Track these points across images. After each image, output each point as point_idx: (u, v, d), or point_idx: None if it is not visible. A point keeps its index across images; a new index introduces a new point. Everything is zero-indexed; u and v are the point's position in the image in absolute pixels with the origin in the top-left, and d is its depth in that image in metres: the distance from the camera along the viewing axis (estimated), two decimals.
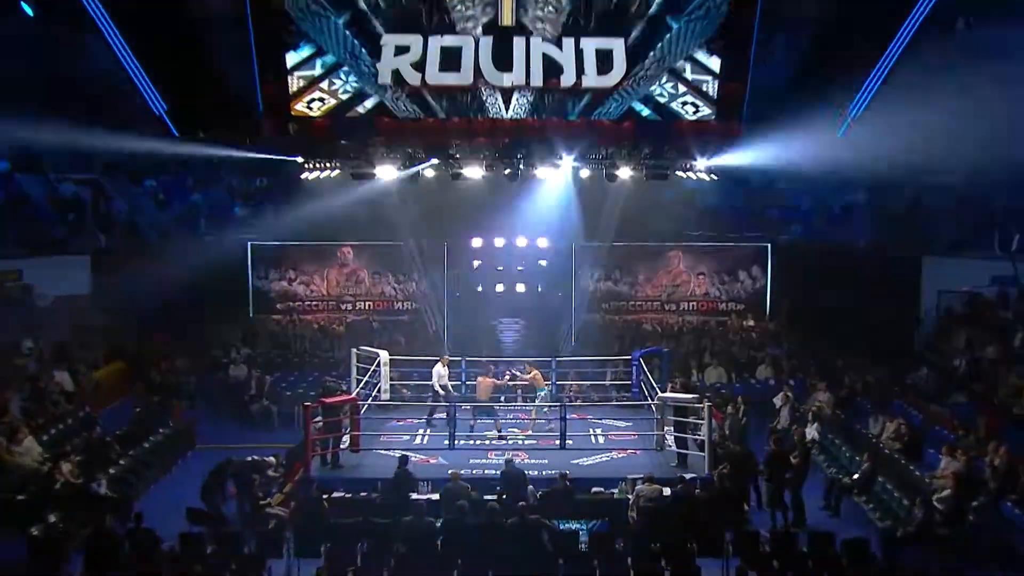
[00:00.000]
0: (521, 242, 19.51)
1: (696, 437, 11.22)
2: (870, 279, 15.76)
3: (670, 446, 11.31)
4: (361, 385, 12.77)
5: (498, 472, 9.92)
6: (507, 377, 12.74)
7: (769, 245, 18.71)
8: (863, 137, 13.40)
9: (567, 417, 11.25)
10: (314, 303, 19.06)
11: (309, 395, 14.54)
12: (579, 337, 18.98)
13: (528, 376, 12.48)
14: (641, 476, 10.05)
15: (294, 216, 17.81)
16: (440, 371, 12.39)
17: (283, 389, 15.81)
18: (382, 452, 11.19)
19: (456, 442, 11.18)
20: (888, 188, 17.04)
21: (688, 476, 10.21)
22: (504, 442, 11.80)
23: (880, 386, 14.18)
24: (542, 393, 12.33)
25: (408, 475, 9.77)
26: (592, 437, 12.03)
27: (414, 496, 9.89)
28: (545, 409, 12.21)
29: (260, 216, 18.17)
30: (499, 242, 19.57)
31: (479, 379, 12.55)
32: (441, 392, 12.50)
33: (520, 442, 11.78)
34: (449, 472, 9.89)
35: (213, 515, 9.42)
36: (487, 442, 11.73)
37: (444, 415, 12.22)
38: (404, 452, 10.70)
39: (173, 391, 14.79)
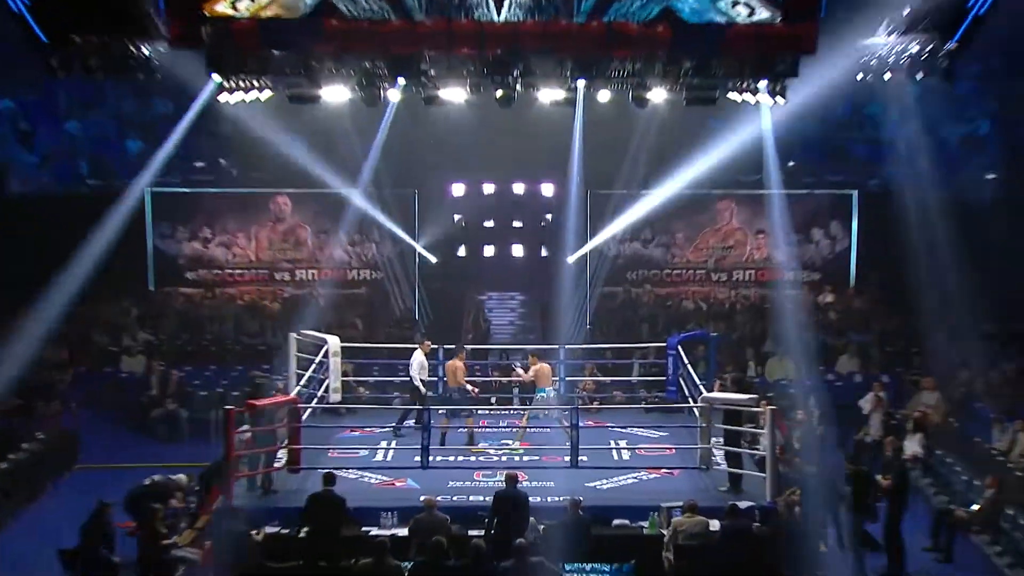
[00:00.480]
0: (518, 189, 19.70)
1: (754, 452, 11.34)
2: (996, 239, 15.78)
3: (719, 464, 11.43)
4: (303, 382, 12.92)
5: (487, 499, 9.93)
6: (514, 373, 12.91)
7: (855, 193, 18.78)
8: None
9: (580, 425, 11.29)
10: (238, 272, 19.17)
11: (231, 396, 15.02)
12: (597, 318, 19.31)
13: (532, 371, 12.52)
14: (680, 504, 10.15)
15: (210, 154, 17.93)
16: (422, 362, 12.59)
17: (196, 388, 15.96)
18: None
19: (431, 458, 11.21)
20: None
21: (743, 504, 10.30)
22: (493, 457, 11.94)
23: (1009, 385, 14.18)
24: (541, 395, 12.38)
25: (333, 502, 9.74)
26: (614, 452, 12.20)
27: (375, 531, 10.00)
28: (543, 414, 12.35)
29: (162, 154, 18.33)
30: (488, 189, 19.72)
31: (448, 363, 12.61)
32: (423, 391, 12.60)
33: (518, 458, 11.88)
34: (422, 499, 10.07)
35: (96, 561, 9.40)
36: (473, 458, 11.82)
37: (418, 422, 12.41)
38: (344, 470, 11.13)
39: (41, 391, 14.60)
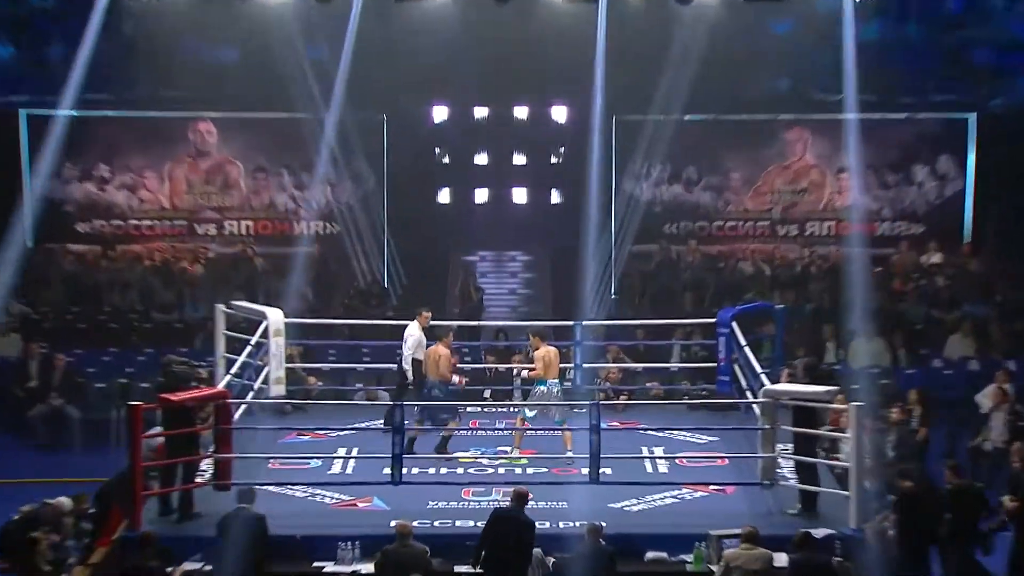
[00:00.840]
0: (520, 114, 19.60)
1: (834, 463, 11.38)
2: None
3: (787, 478, 11.46)
4: (234, 370, 12.99)
5: (479, 524, 9.94)
6: (515, 359, 13.07)
7: (971, 117, 18.68)
8: None
9: (602, 427, 11.28)
10: (147, 223, 19.24)
11: (138, 389, 15.02)
12: (625, 285, 19.40)
13: (537, 357, 12.53)
14: (735, 532, 10.10)
15: (108, 65, 17.61)
16: (419, 339, 12.79)
17: (90, 378, 16.03)
18: (272, 490, 11.42)
19: (404, 470, 11.20)
20: None
21: (819, 533, 10.28)
22: (487, 468, 12.00)
23: None
24: (542, 388, 12.42)
25: (247, 526, 9.68)
26: (647, 462, 12.24)
27: (330, 568, 10.04)
28: (548, 412, 12.40)
29: (42, 64, 18.02)
30: (480, 113, 19.65)
31: (430, 348, 12.66)
32: (410, 379, 12.76)
33: (519, 470, 11.97)
34: (393, 524, 10.05)
35: None
36: (460, 470, 11.91)
37: (386, 422, 12.54)
38: (290, 487, 11.33)
39: None
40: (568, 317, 14.91)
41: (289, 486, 11.44)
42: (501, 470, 12.00)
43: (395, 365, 13.13)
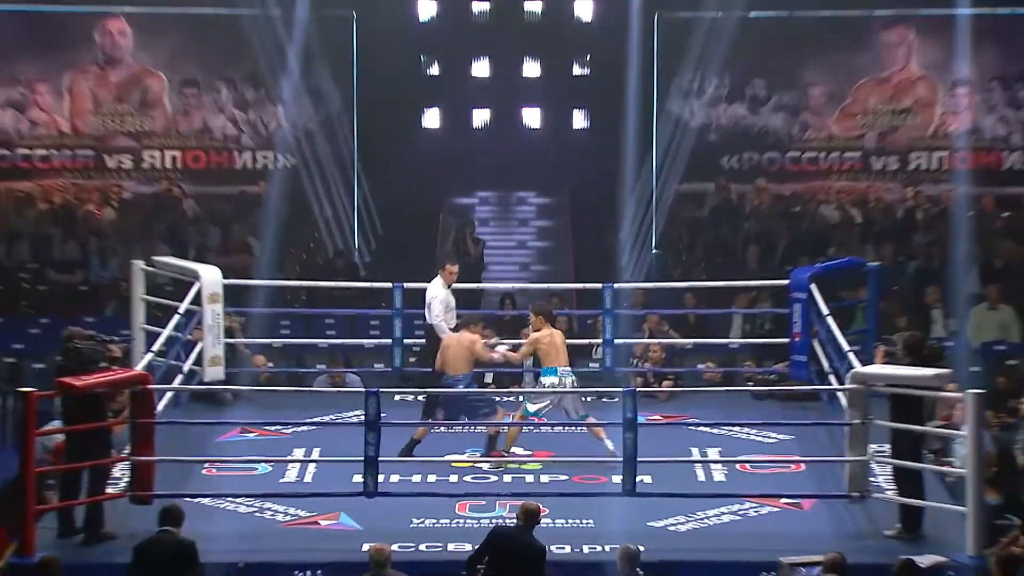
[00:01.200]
0: (532, 7, 19.86)
1: (946, 469, 11.45)
2: None
3: (883, 489, 11.55)
4: (157, 346, 13.03)
5: (474, 547, 9.97)
6: (494, 349, 13.16)
7: None
8: None
9: (639, 421, 11.32)
10: (40, 153, 19.46)
11: (33, 370, 15.11)
12: (670, 236, 19.74)
13: (532, 340, 12.64)
14: (815, 560, 10.10)
15: None
16: (445, 300, 13.20)
17: None
18: (206, 503, 11.51)
19: (380, 477, 11.25)
20: None
21: (925, 561, 10.28)
22: (489, 477, 12.08)
23: None
24: (551, 379, 12.52)
25: (172, 555, 9.70)
26: (698, 469, 12.33)
27: None
28: (563, 406, 12.49)
29: None
30: (480, 7, 19.91)
31: (450, 338, 12.74)
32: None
33: (530, 477, 12.04)
34: (366, 549, 10.04)
35: None
36: (453, 478, 12.00)
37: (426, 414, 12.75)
38: (231, 500, 11.31)
39: None
40: (595, 279, 14.91)
41: (229, 499, 11.46)
42: (507, 478, 12.05)
43: (369, 340, 13.15)
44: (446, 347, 12.63)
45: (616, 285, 14.50)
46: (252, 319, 14.92)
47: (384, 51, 19.31)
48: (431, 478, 11.99)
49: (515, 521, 9.92)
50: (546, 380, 12.51)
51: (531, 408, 12.43)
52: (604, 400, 13.26)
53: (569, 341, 12.92)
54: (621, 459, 11.10)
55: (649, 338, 15.06)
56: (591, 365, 13.99)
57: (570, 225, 19.84)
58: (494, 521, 10.76)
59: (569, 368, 12.55)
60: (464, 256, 18.22)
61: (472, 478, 12.04)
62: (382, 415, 11.16)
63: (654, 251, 18.79)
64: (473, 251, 18.32)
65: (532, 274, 19.18)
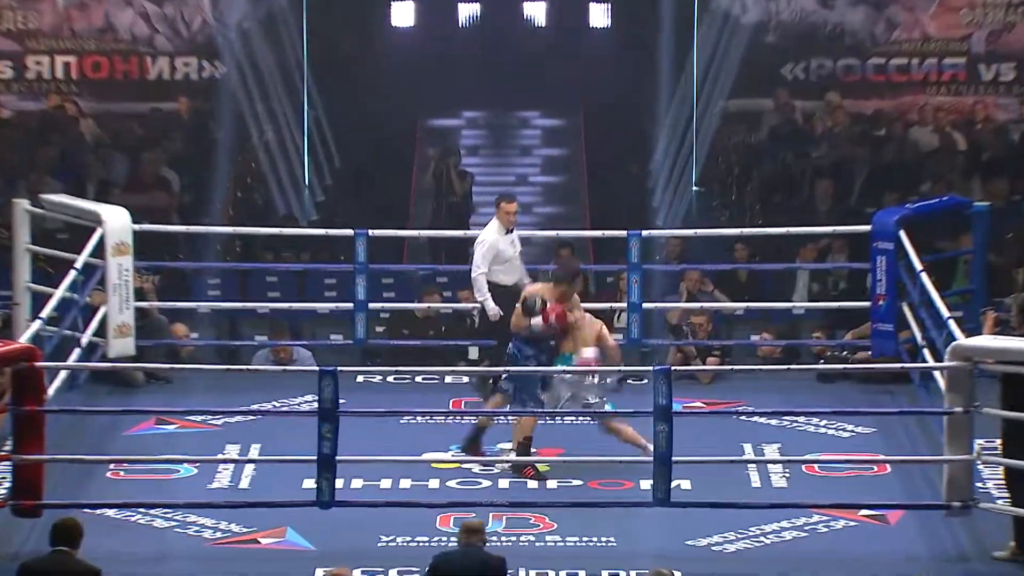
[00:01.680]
0: None
1: None
2: None
3: (992, 497, 11.58)
4: (48, 312, 13.05)
5: None
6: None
7: None
8: None
9: (676, 409, 11.35)
10: None
11: None
12: (714, 170, 20.07)
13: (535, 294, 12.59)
14: None
15: None
16: (495, 246, 13.32)
17: None
18: (112, 516, 11.43)
19: (339, 483, 11.25)
20: None
21: None
22: (480, 483, 12.13)
23: None
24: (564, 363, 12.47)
25: None
26: (753, 470, 12.37)
27: None
28: (582, 395, 12.45)
29: None
30: None
31: (532, 287, 12.78)
32: (495, 313, 13.06)
33: (534, 483, 12.12)
34: (322, 575, 10.26)
35: None
36: (432, 483, 12.03)
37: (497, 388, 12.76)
38: (143, 512, 11.32)
39: None
40: (618, 224, 14.90)
41: (142, 510, 11.46)
42: (503, 483, 12.12)
43: (323, 305, 13.15)
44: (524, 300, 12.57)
45: (645, 233, 14.46)
46: (171, 276, 14.90)
47: None
48: (404, 483, 12.02)
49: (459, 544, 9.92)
50: (562, 363, 12.53)
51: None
52: (630, 382, 13.26)
53: (584, 305, 12.93)
54: (651, 459, 11.14)
55: (688, 301, 15.08)
56: (616, 337, 14.00)
57: (585, 155, 19.82)
58: (488, 540, 10.77)
59: (591, 350, 12.50)
60: (447, 195, 18.26)
61: (457, 482, 12.07)
62: (341, 401, 11.17)
63: (695, 189, 18.77)
64: (458, 188, 18.32)
65: (536, 218, 19.17)
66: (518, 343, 12.48)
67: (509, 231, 13.31)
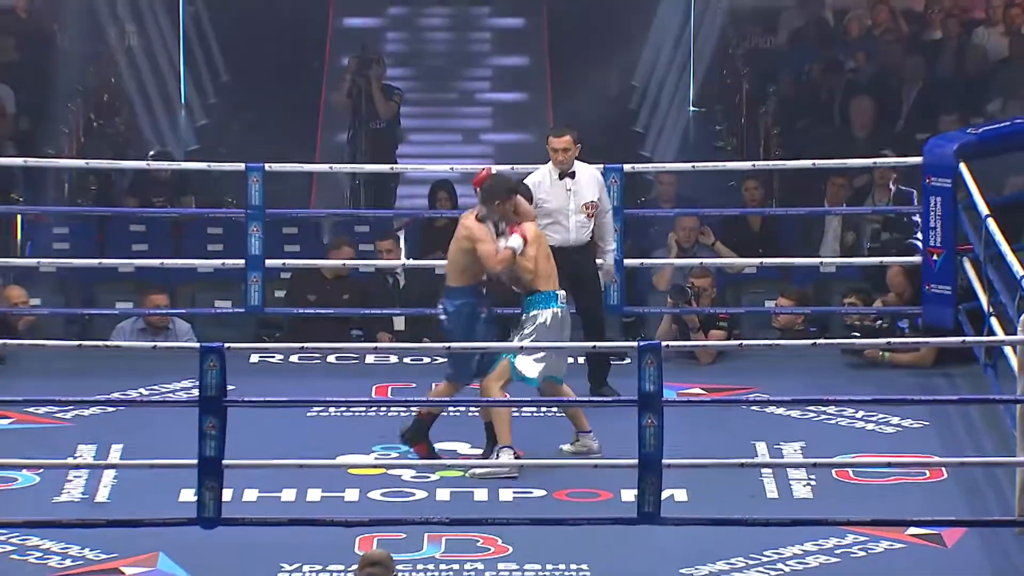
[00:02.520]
0: None
1: None
2: None
3: None
4: None
5: None
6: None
7: None
8: None
9: (669, 396, 11.45)
10: None
11: None
12: (715, 84, 20.41)
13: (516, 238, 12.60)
14: None
15: None
16: (536, 183, 13.49)
17: None
18: None
19: (222, 495, 11.24)
20: None
21: None
22: (413, 494, 12.19)
23: None
24: (550, 311, 12.53)
25: None
26: (767, 477, 12.44)
27: None
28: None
29: None
30: None
31: (515, 228, 12.69)
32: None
33: (480, 491, 12.16)
34: None
35: None
36: (349, 494, 12.09)
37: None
38: None
39: None
40: (592, 156, 14.92)
41: None
42: (442, 493, 12.16)
43: (206, 262, 13.14)
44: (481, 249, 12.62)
45: (627, 167, 14.63)
46: (1, 225, 14.87)
47: None
48: (313, 495, 12.07)
49: None
50: (542, 315, 12.66)
51: (526, 369, 12.58)
52: (610, 363, 13.32)
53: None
54: (635, 463, 11.22)
55: (680, 256, 15.14)
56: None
57: (549, 65, 19.83)
58: (420, 568, 10.87)
59: (559, 293, 12.70)
60: (368, 119, 18.25)
61: (383, 494, 12.13)
62: (229, 388, 11.20)
63: (692, 110, 18.81)
64: (382, 110, 18.32)
65: (486, 148, 19.16)
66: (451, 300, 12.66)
67: (563, 175, 13.37)
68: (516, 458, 12.38)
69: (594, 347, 12.94)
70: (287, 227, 15.52)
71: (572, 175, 13.35)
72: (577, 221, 13.33)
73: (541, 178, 13.43)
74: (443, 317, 12.66)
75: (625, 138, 17.40)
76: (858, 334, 14.68)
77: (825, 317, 15.09)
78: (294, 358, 13.95)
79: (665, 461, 10.97)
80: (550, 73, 19.90)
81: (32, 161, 15.61)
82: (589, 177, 13.45)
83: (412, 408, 13.08)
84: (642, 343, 11.45)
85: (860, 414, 13.34)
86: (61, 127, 18.16)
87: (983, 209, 13.36)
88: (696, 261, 14.93)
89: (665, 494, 11.08)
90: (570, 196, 13.33)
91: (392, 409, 13.22)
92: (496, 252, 12.42)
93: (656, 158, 17.29)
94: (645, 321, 14.42)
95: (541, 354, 12.46)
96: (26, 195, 15.97)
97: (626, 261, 14.20)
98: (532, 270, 12.47)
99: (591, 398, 12.57)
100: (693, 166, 16.32)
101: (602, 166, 14.16)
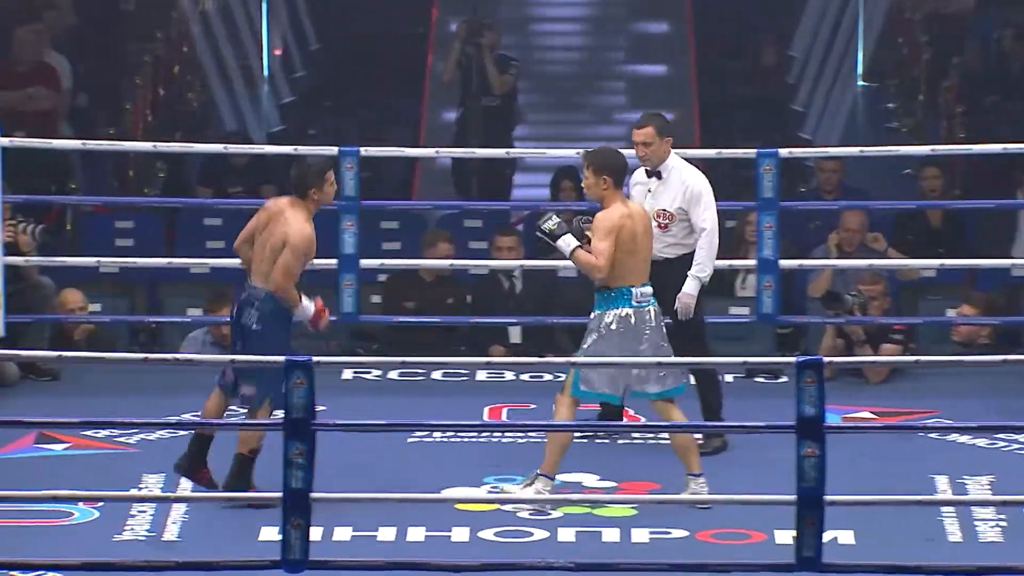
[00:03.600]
0: None
1: None
2: None
3: None
4: None
5: None
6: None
7: None
8: None
9: (832, 421, 11.37)
10: None
11: None
12: (888, 55, 20.27)
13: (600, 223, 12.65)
14: None
15: None
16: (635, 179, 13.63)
17: None
18: None
19: (313, 535, 11.29)
20: None
21: None
22: (509, 530, 12.18)
23: None
24: (623, 311, 12.52)
25: None
26: (949, 518, 12.32)
27: None
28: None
29: None
30: None
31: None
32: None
33: (610, 531, 12.17)
34: None
35: None
36: (470, 529, 12.11)
37: None
38: None
39: None
40: (741, 139, 14.92)
41: (16, 572, 11.40)
42: (565, 533, 12.12)
43: None
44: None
45: (784, 152, 14.62)
46: (58, 219, 14.97)
47: None
48: (415, 534, 12.09)
49: None
50: (611, 316, 12.70)
51: (590, 382, 12.59)
52: (760, 380, 13.31)
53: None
54: (793, 499, 11.21)
55: (843, 258, 15.09)
56: (733, 310, 14.02)
57: (693, 34, 19.86)
58: None
59: (648, 289, 12.76)
60: (479, 94, 18.29)
61: (496, 534, 12.13)
62: (319, 409, 11.28)
63: (860, 85, 18.80)
64: (496, 83, 18.36)
65: (619, 129, 19.21)
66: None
67: (649, 173, 13.40)
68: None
69: (744, 363, 12.95)
70: (385, 221, 15.58)
71: (659, 175, 13.39)
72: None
73: (639, 171, 13.57)
74: None
75: (782, 118, 17.38)
76: None
77: (1016, 329, 15.01)
78: (393, 374, 14.00)
79: (828, 498, 10.93)
80: (694, 42, 19.90)
81: (91, 144, 15.72)
82: (678, 183, 13.43)
83: (530, 434, 13.14)
84: (801, 359, 11.45)
85: None
86: (124, 104, 18.28)
87: None
88: (863, 263, 14.88)
89: (827, 536, 11.00)
90: (647, 198, 13.37)
91: (507, 434, 13.24)
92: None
93: (818, 141, 17.27)
94: (804, 333, 14.35)
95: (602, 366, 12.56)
96: (85, 183, 16.05)
97: (781, 262, 14.17)
98: (597, 265, 12.53)
99: (745, 423, 12.43)
100: (861, 151, 16.29)
101: (755, 151, 14.19)
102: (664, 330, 12.80)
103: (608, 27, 20.78)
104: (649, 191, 13.36)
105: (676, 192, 13.35)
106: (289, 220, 12.48)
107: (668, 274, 13.17)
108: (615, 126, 19.38)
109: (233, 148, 16.31)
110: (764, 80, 19.05)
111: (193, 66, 19.26)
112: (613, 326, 12.54)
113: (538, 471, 12.48)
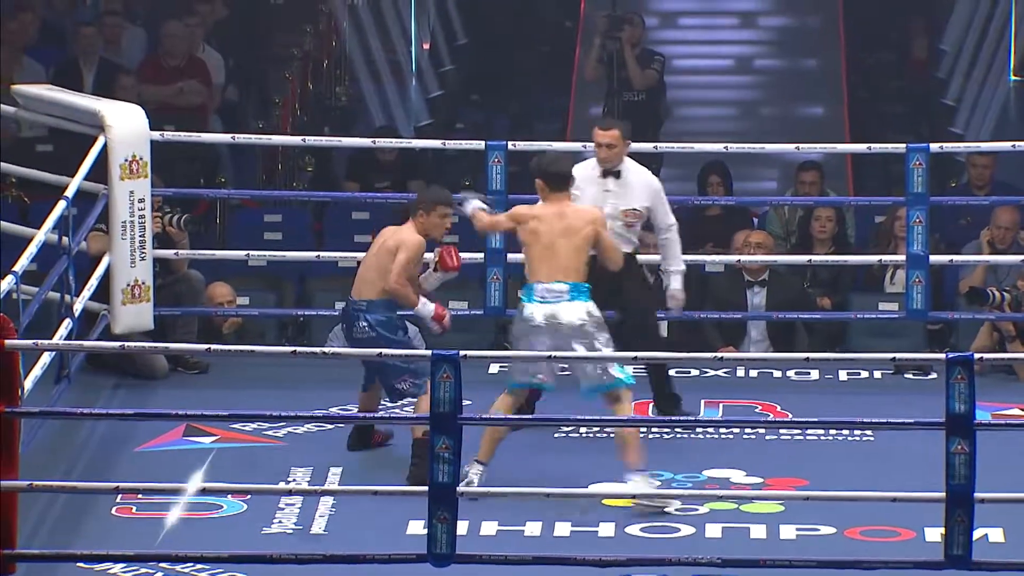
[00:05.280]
0: None
1: None
2: None
3: None
4: (23, 264, 13.09)
5: None
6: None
7: None
8: None
9: (983, 419, 11.31)
10: None
11: None
12: None
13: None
14: None
15: None
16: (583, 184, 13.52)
17: None
18: (122, 574, 11.58)
19: (460, 530, 11.30)
20: None
21: None
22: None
23: None
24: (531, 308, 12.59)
25: None
26: None
27: None
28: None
29: None
30: None
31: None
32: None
33: (795, 529, 12.13)
34: None
35: None
36: (616, 525, 12.08)
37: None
38: None
39: None
40: (892, 134, 14.86)
41: (165, 564, 11.54)
42: (712, 529, 12.15)
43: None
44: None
45: (934, 146, 14.52)
46: (209, 213, 15.02)
47: None
48: (561, 529, 12.09)
49: None
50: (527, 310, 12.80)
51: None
52: (909, 376, 13.26)
53: (844, 258, 12.88)
54: (942, 496, 11.18)
55: (995, 253, 15.01)
56: (882, 306, 13.96)
57: (842, 24, 19.78)
58: None
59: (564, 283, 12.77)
60: (622, 89, 18.24)
61: (643, 529, 12.15)
62: (465, 403, 11.30)
63: (1012, 79, 18.69)
64: (637, 79, 18.32)
65: (762, 123, 19.15)
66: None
67: (605, 173, 13.48)
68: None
69: (893, 359, 12.89)
70: None
71: (616, 175, 13.43)
72: (611, 227, 13.33)
73: (584, 170, 13.56)
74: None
75: (932, 112, 17.26)
76: None
77: None
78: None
79: (977, 495, 10.88)
80: (844, 33, 19.81)
81: (240, 137, 15.82)
82: (642, 183, 13.60)
83: (676, 429, 13.12)
84: (950, 355, 11.39)
85: None
86: (273, 98, 18.34)
87: None
88: (1015, 259, 14.78)
89: (978, 534, 10.96)
90: (606, 197, 13.42)
91: (653, 430, 13.20)
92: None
93: (969, 136, 17.14)
94: (955, 329, 14.27)
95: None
96: (235, 177, 16.12)
97: (932, 258, 14.11)
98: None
99: (894, 419, 12.35)
100: (1014, 146, 16.20)
101: (904, 146, 14.13)
102: (596, 326, 12.93)
103: (753, 21, 20.71)
104: (607, 191, 13.46)
105: (641, 191, 13.60)
106: (402, 230, 12.84)
107: (620, 271, 13.24)
108: (759, 120, 19.31)
109: (382, 142, 16.35)
110: (914, 74, 18.93)
111: (341, 60, 19.31)
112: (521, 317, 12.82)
113: (627, 472, 12.54)
